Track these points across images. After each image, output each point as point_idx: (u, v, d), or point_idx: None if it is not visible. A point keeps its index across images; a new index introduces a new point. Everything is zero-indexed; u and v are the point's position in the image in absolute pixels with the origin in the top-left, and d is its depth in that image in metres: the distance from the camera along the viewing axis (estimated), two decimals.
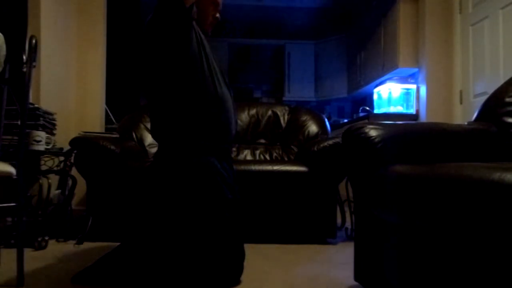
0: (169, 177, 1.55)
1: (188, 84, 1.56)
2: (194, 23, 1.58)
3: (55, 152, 2.46)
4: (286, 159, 2.77)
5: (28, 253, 1.90)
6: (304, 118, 2.91)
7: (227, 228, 1.53)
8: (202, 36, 1.65)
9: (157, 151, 1.70)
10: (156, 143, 2.78)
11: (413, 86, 3.86)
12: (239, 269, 1.55)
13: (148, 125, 2.85)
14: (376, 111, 4.32)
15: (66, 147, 2.44)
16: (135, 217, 1.79)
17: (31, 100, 2.43)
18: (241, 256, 1.57)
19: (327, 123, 2.92)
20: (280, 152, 2.87)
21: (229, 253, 1.52)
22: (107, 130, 3.37)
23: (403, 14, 3.79)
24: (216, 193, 1.53)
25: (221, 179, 1.56)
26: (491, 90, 1.75)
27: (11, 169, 1.47)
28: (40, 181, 2.35)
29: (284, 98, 5.86)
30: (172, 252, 1.46)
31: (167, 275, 1.44)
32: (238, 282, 1.54)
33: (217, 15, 1.73)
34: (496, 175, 0.82)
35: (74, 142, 2.30)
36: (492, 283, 0.87)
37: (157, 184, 1.58)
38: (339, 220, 2.49)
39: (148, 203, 1.61)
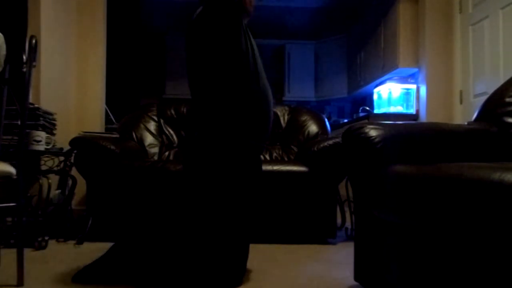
0: (199, 171, 1.53)
1: (235, 77, 1.54)
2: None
3: (55, 152, 2.46)
4: (286, 159, 2.77)
5: (28, 253, 1.90)
6: (304, 118, 2.91)
7: (234, 228, 1.52)
8: (248, 29, 1.64)
9: (193, 141, 1.65)
10: (156, 143, 2.81)
11: (413, 86, 3.86)
12: (242, 270, 1.55)
13: (148, 125, 2.85)
14: (376, 111, 4.32)
15: (66, 147, 2.44)
16: (136, 216, 1.80)
17: (31, 100, 2.43)
18: (244, 256, 1.57)
19: (327, 123, 2.92)
20: (280, 152, 2.87)
21: (232, 254, 1.51)
22: (107, 130, 3.37)
23: (403, 14, 3.79)
24: (235, 193, 1.51)
25: (245, 178, 1.54)
26: (491, 90, 1.75)
27: (11, 169, 1.47)
28: (40, 181, 2.34)
29: (284, 98, 5.86)
30: (174, 252, 1.46)
31: (168, 275, 1.44)
32: (240, 282, 1.54)
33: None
34: (496, 175, 0.82)
35: (74, 142, 2.30)
36: (492, 283, 0.87)
37: (189, 179, 1.55)
38: (339, 220, 2.49)
39: (167, 200, 1.58)
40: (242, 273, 1.55)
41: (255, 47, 1.63)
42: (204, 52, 1.56)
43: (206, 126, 1.56)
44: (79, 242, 2.21)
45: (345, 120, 5.41)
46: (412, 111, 3.85)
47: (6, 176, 1.45)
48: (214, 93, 1.55)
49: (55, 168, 2.54)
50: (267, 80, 1.67)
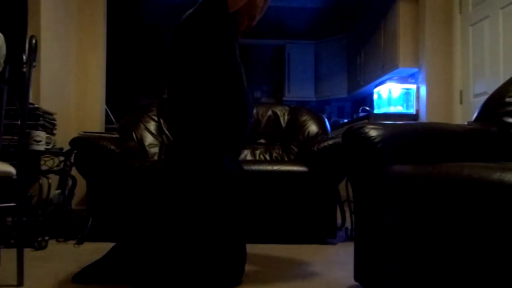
0: (179, 176, 1.54)
1: (216, 84, 1.55)
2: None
3: (55, 152, 2.46)
4: (286, 159, 2.77)
5: (28, 253, 1.89)
6: (304, 118, 2.91)
7: (230, 229, 1.53)
8: (235, 40, 1.65)
9: (171, 147, 1.69)
10: (156, 143, 2.81)
11: (413, 86, 3.86)
12: (241, 270, 1.55)
13: (148, 125, 2.85)
14: (376, 111, 4.32)
15: (66, 147, 2.44)
16: (135, 216, 1.80)
17: (31, 100, 2.43)
18: (243, 256, 1.57)
19: (327, 123, 2.92)
20: (280, 152, 2.87)
21: (232, 254, 1.52)
22: (107, 130, 3.37)
23: (403, 14, 3.79)
24: (223, 194, 1.52)
25: (230, 180, 1.55)
26: (491, 90, 1.76)
27: (11, 169, 1.47)
28: (40, 181, 2.34)
29: (284, 98, 5.85)
30: (174, 252, 1.46)
31: (168, 275, 1.44)
32: (240, 282, 1.54)
33: (252, 24, 1.73)
34: (496, 175, 0.82)
35: (74, 142, 2.30)
36: (492, 283, 0.87)
37: (166, 182, 1.57)
38: (339, 220, 2.49)
39: (154, 201, 1.60)
40: (241, 272, 1.55)
41: (239, 59, 1.65)
42: (188, 57, 1.56)
43: (185, 133, 1.59)
44: (79, 242, 2.21)
45: (345, 120, 5.42)
46: (412, 111, 3.85)
47: (6, 176, 1.45)
48: (195, 100, 1.57)
49: (55, 168, 2.54)
50: (250, 89, 1.70)
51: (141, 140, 2.75)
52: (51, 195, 2.36)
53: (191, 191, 1.51)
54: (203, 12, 1.50)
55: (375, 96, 4.43)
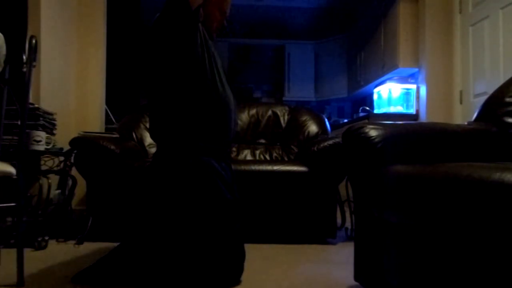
0: (168, 178, 1.55)
1: (190, 85, 1.57)
2: (199, 24, 1.59)
3: (55, 152, 2.45)
4: (286, 159, 2.77)
5: (28, 253, 1.89)
6: (304, 118, 2.91)
7: (226, 229, 1.53)
8: (207, 37, 1.65)
9: (156, 151, 1.71)
10: (155, 143, 2.80)
11: (413, 86, 3.86)
12: (239, 269, 1.55)
13: (148, 125, 2.85)
14: (376, 111, 4.32)
15: (66, 147, 2.44)
16: (135, 217, 1.81)
17: (31, 100, 2.43)
18: (241, 256, 1.57)
19: (327, 123, 2.92)
20: (280, 152, 2.87)
21: (229, 253, 1.52)
22: (107, 130, 3.37)
23: (403, 14, 3.79)
24: (215, 194, 1.53)
25: (220, 180, 1.56)
26: (491, 90, 1.75)
27: (11, 169, 1.47)
28: (40, 181, 2.34)
29: (284, 98, 5.85)
30: (172, 252, 1.46)
31: (167, 275, 1.44)
32: (239, 282, 1.54)
33: (224, 21, 1.74)
34: (496, 175, 0.82)
35: (74, 142, 2.30)
36: (492, 283, 0.87)
37: (156, 185, 1.58)
38: (339, 220, 2.49)
39: (148, 204, 1.61)
40: (240, 272, 1.55)
41: (214, 56, 1.64)
42: (158, 58, 1.57)
43: (165, 135, 1.60)
44: (79, 242, 2.21)
45: (345, 120, 5.41)
46: (412, 111, 3.85)
47: (6, 176, 1.45)
48: (169, 101, 1.58)
49: (55, 168, 2.54)
50: (229, 88, 1.69)
51: (141, 140, 2.75)
52: (51, 195, 2.36)
53: (179, 192, 1.52)
54: (167, 12, 1.51)
55: (375, 96, 4.43)
